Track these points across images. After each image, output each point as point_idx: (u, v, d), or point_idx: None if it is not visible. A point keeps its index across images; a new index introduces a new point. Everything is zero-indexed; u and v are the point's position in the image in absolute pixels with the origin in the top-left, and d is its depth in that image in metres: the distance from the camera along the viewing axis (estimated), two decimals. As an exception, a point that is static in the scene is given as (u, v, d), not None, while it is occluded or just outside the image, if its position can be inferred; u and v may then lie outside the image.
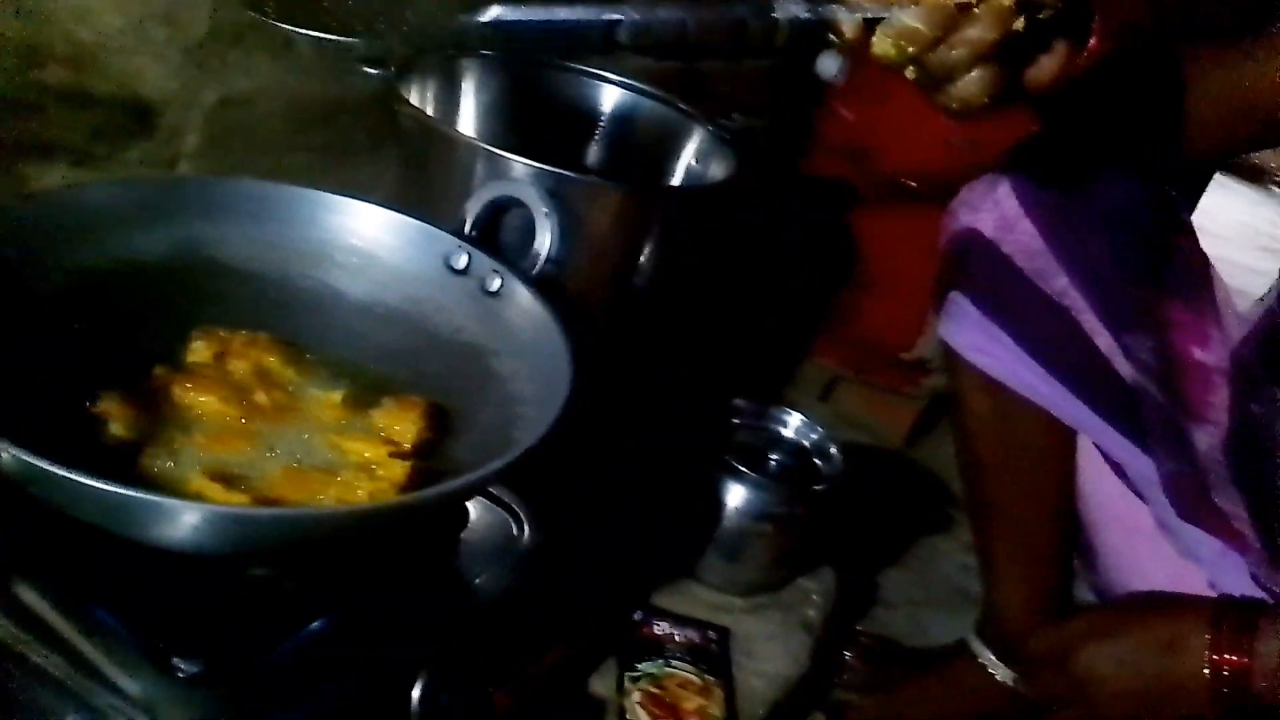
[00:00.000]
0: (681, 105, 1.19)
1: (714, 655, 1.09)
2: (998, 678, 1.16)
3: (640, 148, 1.20)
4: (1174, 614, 0.90)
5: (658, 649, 1.07)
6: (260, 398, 0.76)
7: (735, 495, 1.15)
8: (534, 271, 0.88)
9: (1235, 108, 0.93)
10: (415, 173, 1.05)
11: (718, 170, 1.12)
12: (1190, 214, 1.12)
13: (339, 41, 0.81)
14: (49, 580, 0.65)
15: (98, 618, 0.64)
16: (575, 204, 0.93)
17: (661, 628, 1.09)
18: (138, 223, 0.81)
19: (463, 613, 0.77)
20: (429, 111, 1.09)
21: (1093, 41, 0.73)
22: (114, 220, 0.80)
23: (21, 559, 0.65)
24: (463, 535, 0.81)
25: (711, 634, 1.12)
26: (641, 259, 1.03)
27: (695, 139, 1.18)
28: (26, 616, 0.64)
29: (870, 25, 0.68)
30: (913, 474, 1.77)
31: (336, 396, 0.79)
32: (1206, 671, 0.85)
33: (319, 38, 0.80)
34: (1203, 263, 1.08)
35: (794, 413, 1.28)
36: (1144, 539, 1.07)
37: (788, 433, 1.28)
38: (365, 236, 0.88)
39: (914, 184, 1.65)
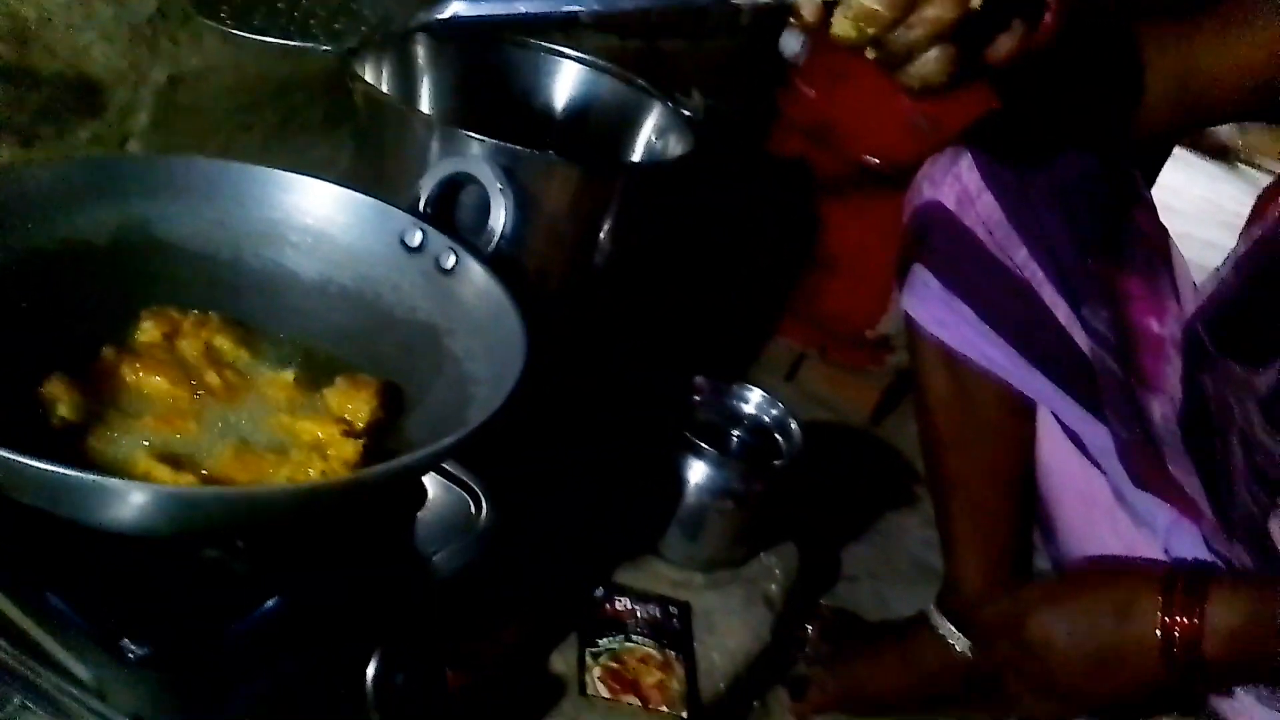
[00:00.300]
0: (640, 82, 1.18)
1: (675, 630, 1.10)
2: (957, 649, 1.17)
3: (599, 125, 1.20)
4: (1126, 579, 0.91)
5: (619, 625, 1.07)
6: (211, 378, 0.76)
7: (696, 472, 1.16)
8: (489, 249, 0.87)
9: (1189, 84, 0.94)
10: (370, 150, 1.04)
11: (676, 147, 1.12)
12: (1150, 189, 1.13)
13: (299, 47, 0.81)
14: (-5, 564, 0.64)
15: (46, 601, 0.64)
16: (530, 181, 0.92)
17: (623, 604, 1.10)
18: (85, 202, 0.79)
19: (418, 592, 0.77)
20: (384, 89, 1.08)
21: (1048, 18, 0.73)
22: (61, 200, 0.78)
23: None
24: (420, 514, 0.81)
25: (672, 609, 1.12)
26: (599, 236, 1.03)
27: (654, 116, 1.17)
28: (-28, 600, 0.63)
29: (829, 7, 0.68)
30: (877, 451, 1.78)
31: (288, 376, 0.78)
32: (1158, 634, 0.86)
33: (277, 44, 0.79)
34: (1161, 237, 1.09)
35: (755, 390, 1.29)
36: (1101, 510, 1.09)
37: (749, 409, 1.28)
38: (318, 215, 0.87)
39: (877, 161, 1.66)
